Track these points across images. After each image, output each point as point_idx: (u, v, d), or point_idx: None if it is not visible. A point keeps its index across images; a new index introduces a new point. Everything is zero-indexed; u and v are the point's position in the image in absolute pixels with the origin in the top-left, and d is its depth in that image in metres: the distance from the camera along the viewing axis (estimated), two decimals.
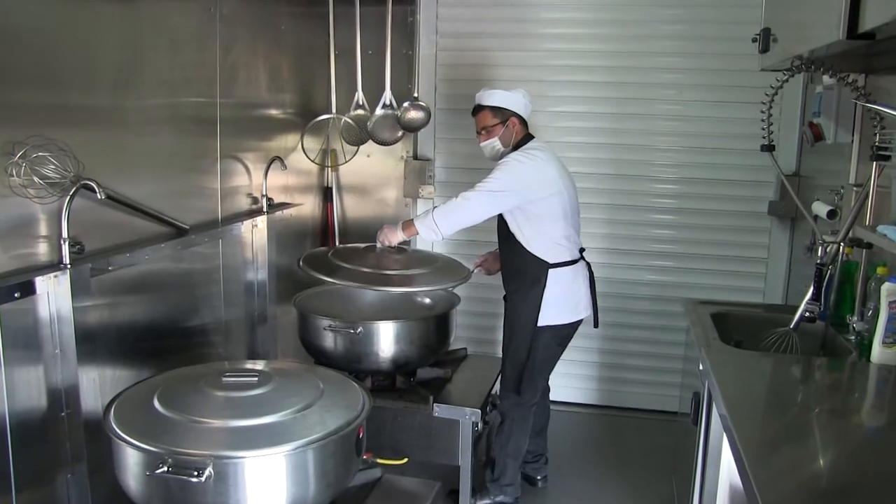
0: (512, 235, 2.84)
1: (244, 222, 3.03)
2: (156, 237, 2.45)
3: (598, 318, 3.03)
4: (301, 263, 2.78)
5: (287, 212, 3.43)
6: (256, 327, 3.22)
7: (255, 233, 3.13)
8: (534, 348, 2.83)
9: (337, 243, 3.95)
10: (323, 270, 2.69)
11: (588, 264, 2.99)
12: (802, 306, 2.36)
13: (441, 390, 2.81)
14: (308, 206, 3.77)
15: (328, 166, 3.89)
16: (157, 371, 2.35)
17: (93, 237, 2.13)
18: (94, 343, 2.16)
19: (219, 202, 2.85)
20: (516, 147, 2.87)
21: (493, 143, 2.88)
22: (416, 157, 3.99)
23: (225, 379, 1.85)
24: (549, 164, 2.81)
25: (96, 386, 2.17)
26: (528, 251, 2.81)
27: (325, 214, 3.95)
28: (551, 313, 2.82)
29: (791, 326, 2.40)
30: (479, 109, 2.91)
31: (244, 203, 3.09)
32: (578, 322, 2.93)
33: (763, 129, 2.47)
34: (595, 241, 3.89)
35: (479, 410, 2.68)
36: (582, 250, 2.96)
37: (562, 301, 2.84)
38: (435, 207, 2.80)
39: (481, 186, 2.74)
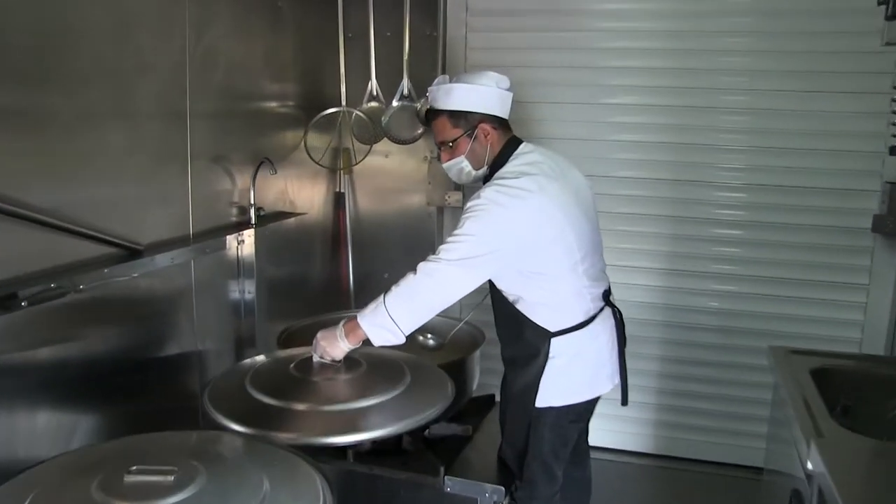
0: (500, 291, 2.09)
1: (226, 237, 2.52)
2: (96, 261, 1.95)
3: (628, 391, 2.16)
4: (205, 398, 1.92)
5: (288, 221, 2.92)
6: (244, 351, 2.70)
7: (242, 249, 2.62)
8: (536, 434, 2.06)
9: (350, 256, 3.42)
10: (233, 413, 1.79)
11: (616, 312, 2.15)
12: None
13: (457, 456, 2.23)
14: (315, 214, 3.24)
15: (340, 169, 3.35)
16: (101, 421, 1.96)
17: None
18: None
19: (189, 214, 2.34)
20: (496, 164, 2.04)
21: (460, 165, 2.09)
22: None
23: (128, 479, 1.32)
24: (543, 197, 1.94)
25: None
26: (521, 314, 2.04)
27: (336, 223, 3.42)
28: (555, 392, 2.03)
29: None
30: (433, 115, 2.09)
31: (226, 214, 2.58)
32: (597, 398, 2.14)
33: (894, 123, 1.81)
34: (650, 260, 3.28)
35: (503, 488, 2.09)
36: (607, 294, 2.13)
37: (570, 376, 2.04)
38: (386, 294, 1.90)
39: (447, 252, 1.88)
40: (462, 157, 2.08)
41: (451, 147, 2.08)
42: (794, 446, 1.76)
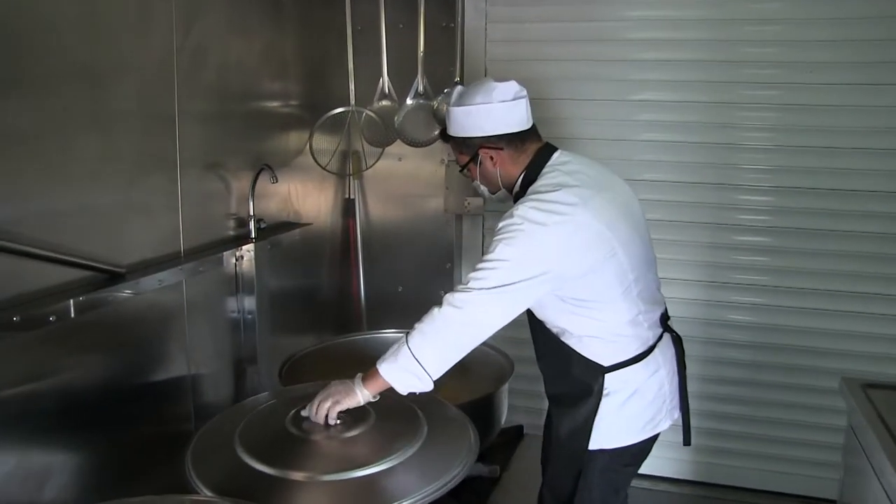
0: (542, 323, 1.85)
1: (223, 253, 2.26)
2: (70, 286, 1.69)
3: (691, 428, 1.93)
4: (188, 459, 1.63)
5: (292, 233, 2.66)
6: (245, 369, 2.45)
7: (241, 265, 2.37)
8: (584, 481, 1.82)
9: (361, 268, 3.16)
10: (220, 484, 1.51)
11: (676, 338, 1.92)
12: None
13: (484, 502, 1.98)
14: (322, 224, 2.99)
15: (349, 174, 3.10)
16: (79, 461, 1.71)
17: None
18: None
19: (180, 229, 2.08)
20: (527, 178, 1.79)
21: (481, 188, 1.93)
22: None
23: None
24: (587, 212, 1.67)
25: None
26: (567, 347, 1.79)
27: (345, 233, 3.17)
28: (608, 433, 1.79)
29: None
30: (445, 137, 1.93)
31: (223, 227, 2.32)
32: (655, 437, 1.88)
33: None
34: (685, 272, 3.01)
35: None
36: (664, 318, 1.90)
37: (627, 415, 1.79)
38: (408, 334, 1.64)
39: (478, 280, 1.61)
40: (478, 183, 1.92)
41: (467, 172, 1.90)
42: (878, 479, 1.58)
